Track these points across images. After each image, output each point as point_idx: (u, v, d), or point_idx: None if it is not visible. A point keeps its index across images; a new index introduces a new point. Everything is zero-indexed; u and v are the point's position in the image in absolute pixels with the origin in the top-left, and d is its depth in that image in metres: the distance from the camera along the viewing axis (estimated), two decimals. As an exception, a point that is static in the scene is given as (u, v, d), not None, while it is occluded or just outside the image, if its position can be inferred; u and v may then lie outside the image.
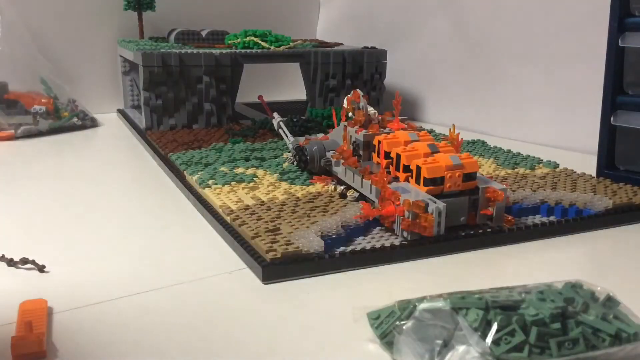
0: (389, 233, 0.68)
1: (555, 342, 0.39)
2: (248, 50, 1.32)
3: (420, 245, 0.64)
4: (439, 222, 0.64)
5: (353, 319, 0.48)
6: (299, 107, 1.45)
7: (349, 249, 0.64)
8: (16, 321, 0.49)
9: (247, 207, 0.72)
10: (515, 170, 0.93)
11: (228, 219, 0.70)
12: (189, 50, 1.26)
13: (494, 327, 0.40)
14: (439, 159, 0.67)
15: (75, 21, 1.50)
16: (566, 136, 1.15)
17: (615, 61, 0.87)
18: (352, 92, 0.86)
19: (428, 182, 0.66)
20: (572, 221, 0.72)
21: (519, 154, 1.04)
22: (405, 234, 0.65)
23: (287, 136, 1.03)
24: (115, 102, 1.56)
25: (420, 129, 0.89)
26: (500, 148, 1.09)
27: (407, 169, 0.69)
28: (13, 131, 1.23)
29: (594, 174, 0.92)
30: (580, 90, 1.12)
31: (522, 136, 1.23)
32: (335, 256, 0.61)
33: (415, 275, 0.60)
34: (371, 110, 0.87)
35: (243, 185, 0.83)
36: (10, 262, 0.60)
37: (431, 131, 1.22)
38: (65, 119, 1.32)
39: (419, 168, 0.67)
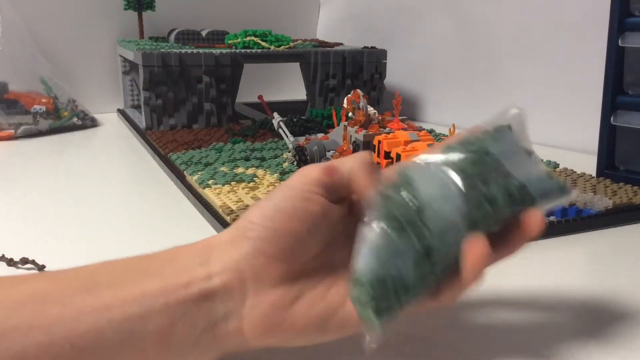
0: (389, 233, 0.68)
1: None
2: (248, 50, 1.32)
3: (420, 245, 0.64)
4: (439, 222, 0.64)
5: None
6: (299, 107, 1.45)
7: (349, 249, 0.63)
8: (16, 321, 0.49)
9: (247, 207, 0.72)
10: (515, 170, 0.93)
11: (228, 219, 0.70)
12: (189, 50, 1.26)
13: None
14: (439, 159, 0.67)
15: (75, 21, 1.50)
16: (566, 136, 1.15)
17: (615, 61, 0.87)
18: (352, 92, 0.86)
19: (428, 182, 0.66)
20: (572, 221, 0.72)
21: (519, 154, 1.04)
22: (405, 234, 0.65)
23: (287, 136, 1.03)
24: (115, 102, 1.56)
25: (420, 129, 0.89)
26: (500, 148, 1.09)
27: (407, 169, 0.69)
28: (13, 131, 1.23)
29: (594, 174, 0.92)
30: (580, 90, 1.12)
31: (522, 136, 1.23)
32: (335, 256, 0.61)
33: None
34: (371, 110, 0.87)
35: (243, 185, 0.83)
36: (10, 262, 0.60)
37: (431, 131, 1.22)
38: (65, 119, 1.32)
39: (419, 168, 0.67)
